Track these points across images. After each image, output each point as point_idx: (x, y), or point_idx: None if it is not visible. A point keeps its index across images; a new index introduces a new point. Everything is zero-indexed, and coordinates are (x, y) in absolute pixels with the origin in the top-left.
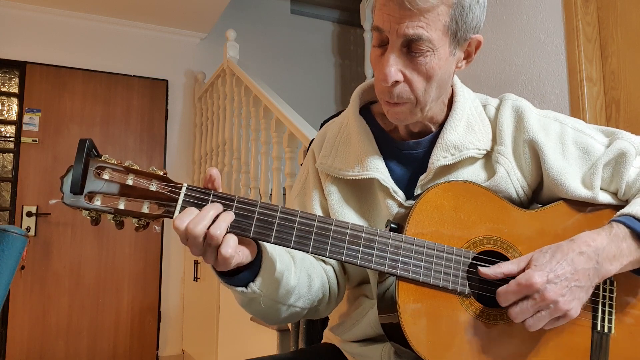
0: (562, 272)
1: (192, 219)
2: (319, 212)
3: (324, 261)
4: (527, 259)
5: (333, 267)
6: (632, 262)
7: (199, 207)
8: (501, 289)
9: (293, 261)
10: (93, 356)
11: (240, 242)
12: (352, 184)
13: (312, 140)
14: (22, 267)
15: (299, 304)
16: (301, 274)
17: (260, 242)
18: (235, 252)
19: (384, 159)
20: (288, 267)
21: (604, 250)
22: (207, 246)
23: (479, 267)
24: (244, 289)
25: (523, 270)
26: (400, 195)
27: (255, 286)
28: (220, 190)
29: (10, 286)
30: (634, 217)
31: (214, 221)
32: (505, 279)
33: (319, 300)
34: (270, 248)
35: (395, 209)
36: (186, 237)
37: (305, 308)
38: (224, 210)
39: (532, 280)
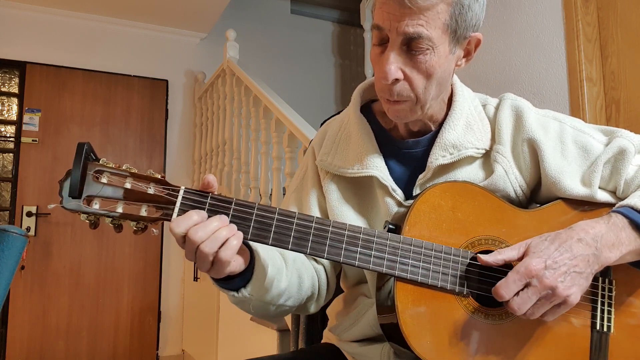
0: (561, 258)
1: (192, 225)
2: (315, 209)
3: (315, 260)
4: (526, 245)
5: (324, 267)
6: (632, 252)
7: (198, 209)
8: (500, 282)
9: (285, 263)
10: (93, 356)
11: None
12: (352, 181)
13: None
14: (22, 267)
15: (289, 303)
16: (292, 276)
17: (253, 248)
18: (233, 259)
19: (383, 157)
20: (279, 271)
21: (602, 237)
22: (204, 257)
23: (479, 255)
24: (235, 293)
25: (522, 257)
26: (399, 193)
27: (246, 292)
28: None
29: (10, 286)
30: (632, 208)
31: (223, 243)
32: (503, 275)
33: (308, 297)
34: (262, 252)
35: (394, 207)
36: (183, 241)
37: (294, 306)
38: (229, 224)
39: (530, 267)
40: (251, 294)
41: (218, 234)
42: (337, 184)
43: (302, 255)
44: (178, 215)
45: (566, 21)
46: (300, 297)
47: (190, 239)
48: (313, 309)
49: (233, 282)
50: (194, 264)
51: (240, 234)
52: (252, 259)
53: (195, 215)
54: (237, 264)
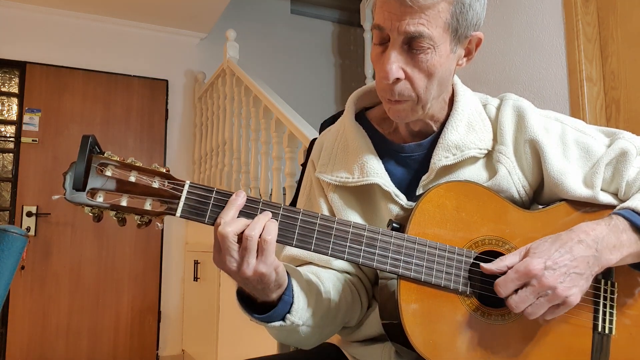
0: (561, 259)
1: (244, 224)
2: None
3: (348, 272)
4: (526, 248)
5: (359, 277)
6: (632, 254)
7: (203, 204)
8: (500, 279)
9: (319, 279)
10: (93, 356)
11: None
12: (354, 190)
13: (312, 140)
14: (22, 267)
15: (338, 319)
16: (332, 292)
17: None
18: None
19: (382, 162)
20: (319, 289)
21: (603, 239)
22: (248, 252)
23: (482, 264)
24: (281, 322)
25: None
26: (402, 198)
27: (293, 317)
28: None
29: (10, 286)
30: (633, 210)
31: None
32: None
33: (354, 310)
34: (296, 279)
35: (397, 211)
36: (229, 241)
37: (343, 321)
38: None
39: (530, 267)
40: (301, 320)
41: (269, 224)
42: (340, 194)
43: (331, 271)
44: (182, 209)
45: (566, 21)
46: (347, 309)
47: (248, 236)
48: (356, 320)
49: (277, 310)
50: (194, 266)
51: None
52: (289, 281)
53: (244, 218)
54: (280, 265)
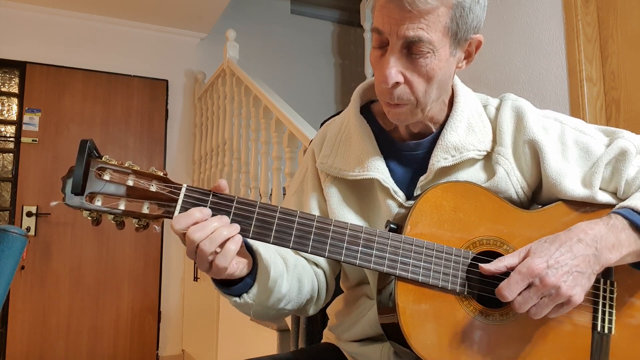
0: (562, 257)
1: (192, 224)
2: (316, 211)
3: (316, 264)
4: (526, 249)
5: (324, 270)
6: (632, 253)
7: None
8: (503, 283)
9: (286, 267)
10: (93, 356)
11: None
12: (353, 184)
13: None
14: (22, 267)
15: (288, 307)
16: (293, 280)
17: (255, 252)
18: (230, 264)
19: (384, 159)
20: (281, 276)
21: (602, 238)
22: (204, 256)
23: (481, 264)
24: (237, 299)
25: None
26: (400, 195)
27: (248, 298)
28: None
29: (10, 286)
30: (632, 209)
31: (222, 245)
32: (505, 277)
33: (307, 301)
34: (265, 256)
35: (395, 209)
36: (183, 240)
37: (292, 309)
38: (231, 224)
39: (532, 267)
40: (253, 300)
41: (217, 234)
42: (338, 187)
43: (302, 259)
44: (180, 213)
45: (566, 21)
46: (299, 301)
47: (188, 238)
48: (312, 311)
49: (236, 288)
50: (194, 263)
51: (239, 239)
52: (254, 265)
53: (198, 213)
54: (238, 268)
